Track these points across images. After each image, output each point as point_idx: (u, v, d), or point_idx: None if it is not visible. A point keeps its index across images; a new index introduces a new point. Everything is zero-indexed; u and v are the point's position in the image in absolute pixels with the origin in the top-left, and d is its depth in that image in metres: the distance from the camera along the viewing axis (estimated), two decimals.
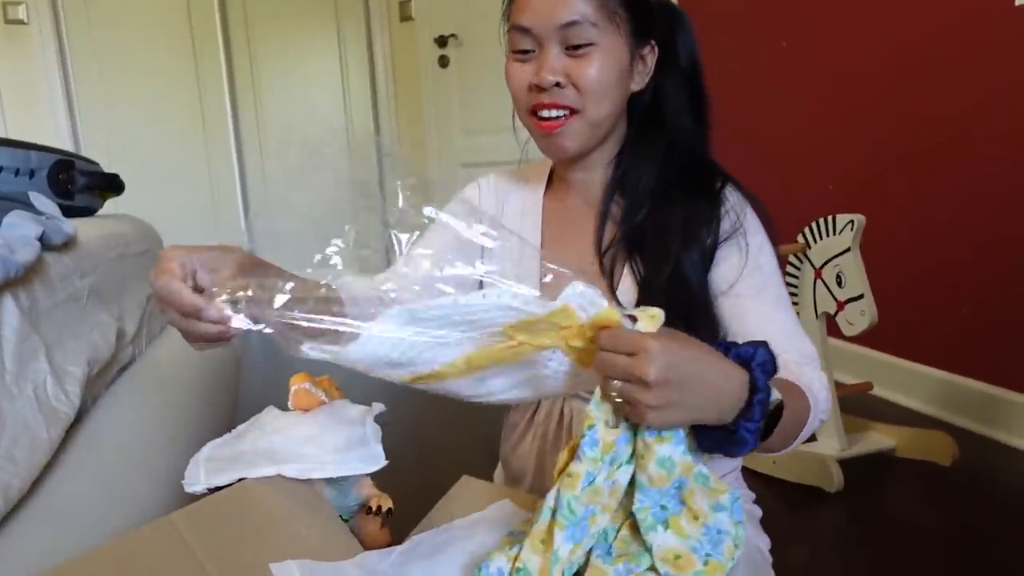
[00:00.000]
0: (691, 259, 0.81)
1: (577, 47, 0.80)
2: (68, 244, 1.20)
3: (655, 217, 0.85)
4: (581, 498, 0.57)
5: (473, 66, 3.28)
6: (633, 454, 0.59)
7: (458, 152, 3.41)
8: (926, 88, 1.82)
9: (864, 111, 2.01)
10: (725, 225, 0.82)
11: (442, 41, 3.29)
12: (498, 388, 0.68)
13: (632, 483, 0.60)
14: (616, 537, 0.61)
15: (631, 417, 0.57)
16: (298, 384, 0.91)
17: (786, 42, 2.27)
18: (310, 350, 0.62)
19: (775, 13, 2.30)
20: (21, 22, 3.07)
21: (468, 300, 0.58)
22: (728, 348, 0.61)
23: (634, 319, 0.57)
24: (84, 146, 3.24)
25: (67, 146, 3.16)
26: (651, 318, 0.56)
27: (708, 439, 0.59)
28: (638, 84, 0.86)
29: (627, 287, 0.84)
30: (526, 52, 0.82)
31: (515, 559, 0.59)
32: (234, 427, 0.97)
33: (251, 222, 3.50)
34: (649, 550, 0.58)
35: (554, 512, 0.58)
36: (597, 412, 0.57)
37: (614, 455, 0.57)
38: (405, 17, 3.45)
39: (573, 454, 0.59)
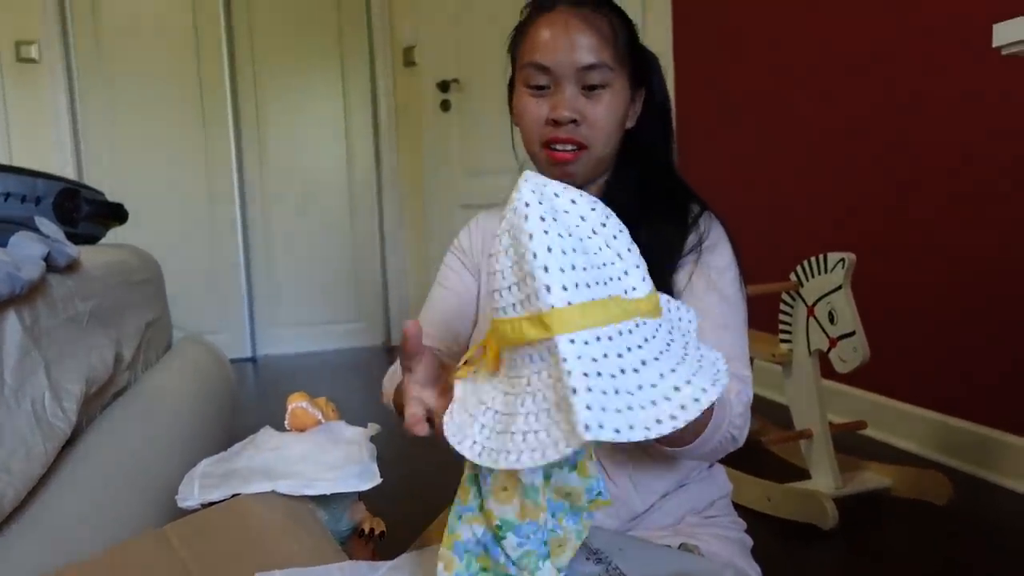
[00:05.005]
0: (661, 269, 0.86)
1: (593, 87, 0.86)
2: (71, 267, 1.22)
3: (635, 229, 0.89)
4: None
5: (474, 110, 3.36)
6: None
7: (457, 194, 3.45)
8: (917, 129, 1.87)
9: (856, 152, 2.06)
10: (691, 240, 0.89)
11: (444, 86, 3.37)
12: None
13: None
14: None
15: None
16: (296, 403, 0.92)
17: (780, 86, 2.33)
18: None
19: (766, 54, 2.38)
20: (33, 60, 3.14)
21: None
22: None
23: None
24: (87, 179, 3.28)
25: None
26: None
27: None
28: (631, 123, 0.94)
29: None
30: (541, 88, 0.88)
31: (489, 516, 0.57)
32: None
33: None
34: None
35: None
36: None
37: None
38: (408, 62, 3.54)
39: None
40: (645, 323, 0.54)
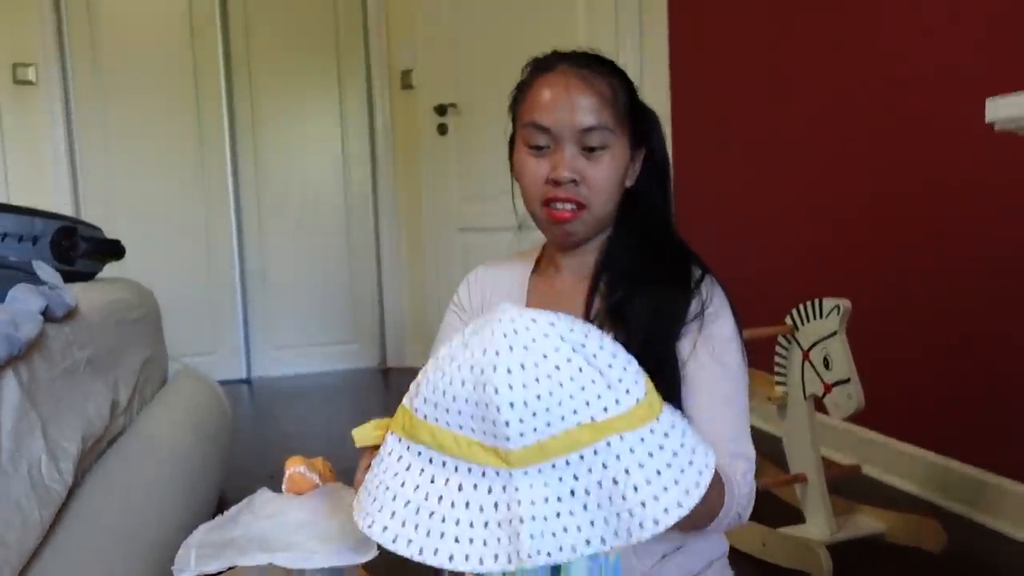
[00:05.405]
0: (665, 334, 0.88)
1: (592, 149, 0.87)
2: (69, 314, 1.22)
3: (637, 293, 0.91)
4: None
5: (471, 135, 3.37)
6: None
7: (454, 217, 3.46)
8: (913, 177, 1.89)
9: (854, 195, 2.07)
10: (694, 307, 0.89)
11: (441, 109, 3.38)
12: None
13: None
14: None
15: None
16: (293, 468, 0.92)
17: (774, 127, 2.35)
18: None
19: (763, 105, 2.39)
20: (30, 83, 3.15)
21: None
22: None
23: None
24: (83, 200, 3.28)
25: (67, 200, 3.20)
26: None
27: None
28: (630, 181, 0.95)
29: None
30: (541, 148, 0.89)
31: None
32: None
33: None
34: None
35: None
36: None
37: None
38: (406, 85, 3.55)
39: None
40: (622, 438, 0.55)
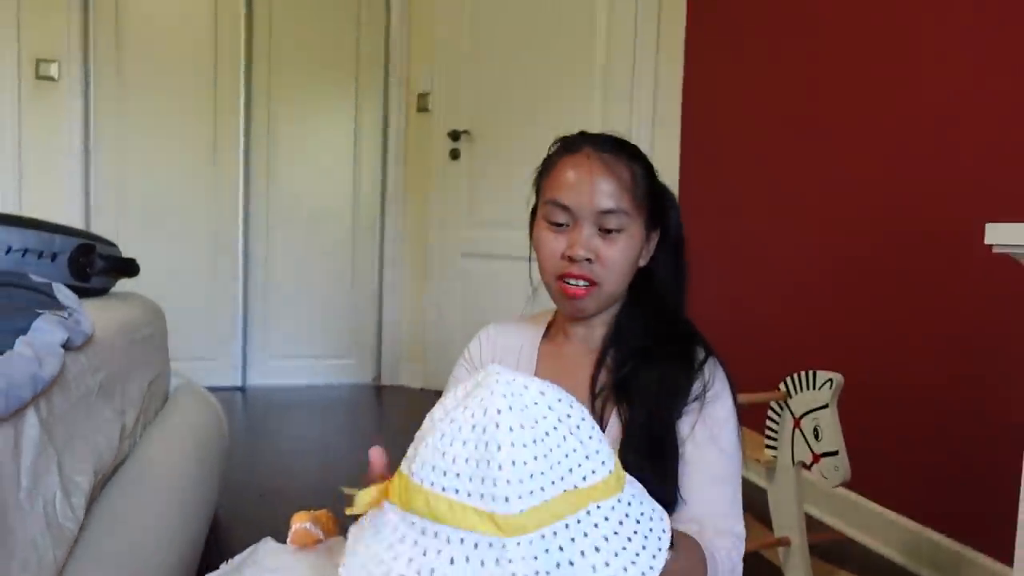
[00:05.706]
0: (668, 413, 0.92)
1: (609, 231, 0.92)
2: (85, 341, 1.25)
3: (642, 370, 0.94)
4: None
5: (482, 162, 3.42)
6: None
7: (460, 241, 3.50)
8: (905, 261, 1.93)
9: (849, 276, 2.12)
10: (696, 388, 0.93)
11: (455, 135, 3.43)
12: None
13: None
14: None
15: None
16: (299, 523, 0.95)
17: (780, 204, 2.40)
18: None
19: (768, 177, 2.44)
20: (51, 79, 3.18)
21: None
22: None
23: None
24: (94, 197, 3.30)
25: (77, 197, 3.23)
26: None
27: None
28: (644, 260, 0.99)
29: (614, 428, 0.94)
30: (560, 225, 0.93)
31: None
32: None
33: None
34: None
35: None
36: None
37: None
38: (422, 108, 3.60)
39: None
40: (598, 507, 0.59)
